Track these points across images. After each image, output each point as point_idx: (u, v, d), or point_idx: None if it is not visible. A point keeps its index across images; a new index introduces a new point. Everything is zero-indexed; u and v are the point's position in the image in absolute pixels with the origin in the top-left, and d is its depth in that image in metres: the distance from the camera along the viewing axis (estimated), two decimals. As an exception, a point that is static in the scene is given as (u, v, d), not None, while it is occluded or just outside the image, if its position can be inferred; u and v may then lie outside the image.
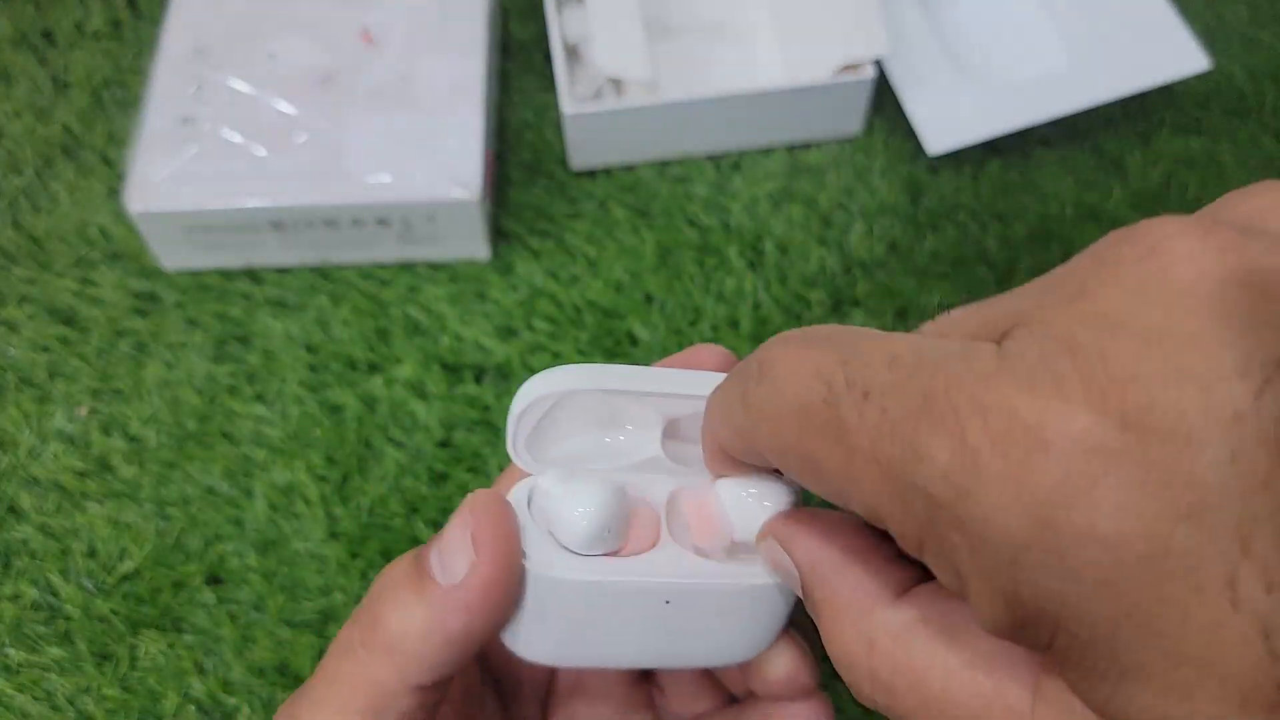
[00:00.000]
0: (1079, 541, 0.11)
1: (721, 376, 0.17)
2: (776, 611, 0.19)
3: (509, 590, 0.17)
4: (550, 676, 0.23)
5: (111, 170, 0.42)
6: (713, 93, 0.40)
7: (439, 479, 0.36)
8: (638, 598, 0.18)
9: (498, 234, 0.41)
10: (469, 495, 0.18)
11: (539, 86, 0.45)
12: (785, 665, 0.19)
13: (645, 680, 0.23)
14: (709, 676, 0.22)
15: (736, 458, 0.17)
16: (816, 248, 0.41)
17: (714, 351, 0.20)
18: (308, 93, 0.39)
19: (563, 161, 0.43)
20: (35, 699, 0.32)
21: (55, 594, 0.34)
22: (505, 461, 0.35)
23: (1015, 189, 0.42)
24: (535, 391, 0.18)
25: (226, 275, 0.40)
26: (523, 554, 0.18)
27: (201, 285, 0.40)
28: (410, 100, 0.39)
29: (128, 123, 0.43)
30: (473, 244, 0.39)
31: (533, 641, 0.19)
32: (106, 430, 0.37)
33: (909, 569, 0.16)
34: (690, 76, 0.43)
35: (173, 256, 0.39)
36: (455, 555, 0.17)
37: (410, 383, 0.38)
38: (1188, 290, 0.11)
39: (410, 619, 0.17)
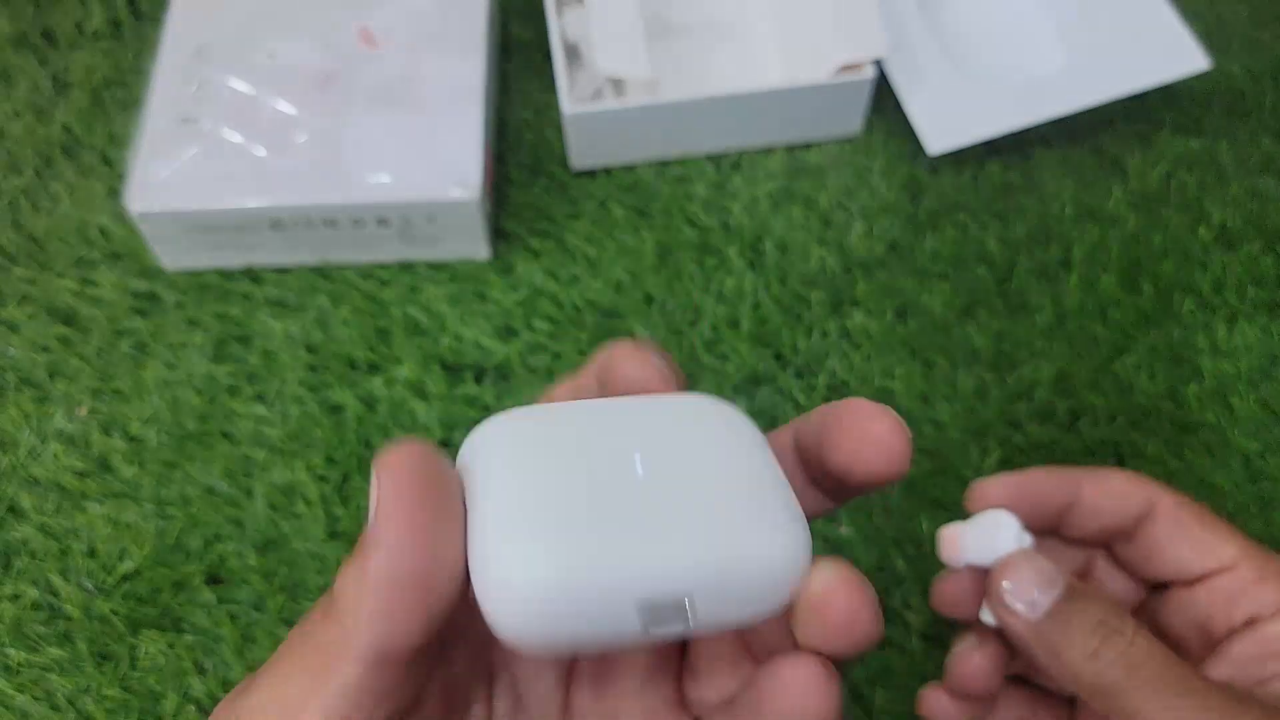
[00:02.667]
0: None
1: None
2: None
3: (429, 591, 0.16)
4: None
5: (112, 170, 0.42)
6: (712, 93, 0.40)
7: (439, 479, 0.36)
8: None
9: (498, 234, 0.41)
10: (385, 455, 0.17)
11: (539, 87, 0.45)
12: (826, 578, 0.17)
13: (675, 662, 0.22)
14: (745, 649, 0.21)
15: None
16: (816, 247, 0.41)
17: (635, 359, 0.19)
18: (308, 93, 0.39)
19: (563, 161, 0.43)
20: (35, 699, 0.32)
21: (55, 594, 0.34)
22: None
23: (1015, 189, 0.42)
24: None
25: (227, 275, 0.40)
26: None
27: (202, 285, 0.40)
28: (410, 100, 0.39)
29: (128, 123, 0.43)
30: (473, 244, 0.39)
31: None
32: (106, 430, 0.37)
33: None
34: (690, 77, 0.43)
35: (173, 256, 0.39)
36: (371, 536, 0.16)
37: (410, 383, 0.38)
38: None
39: (351, 592, 0.16)
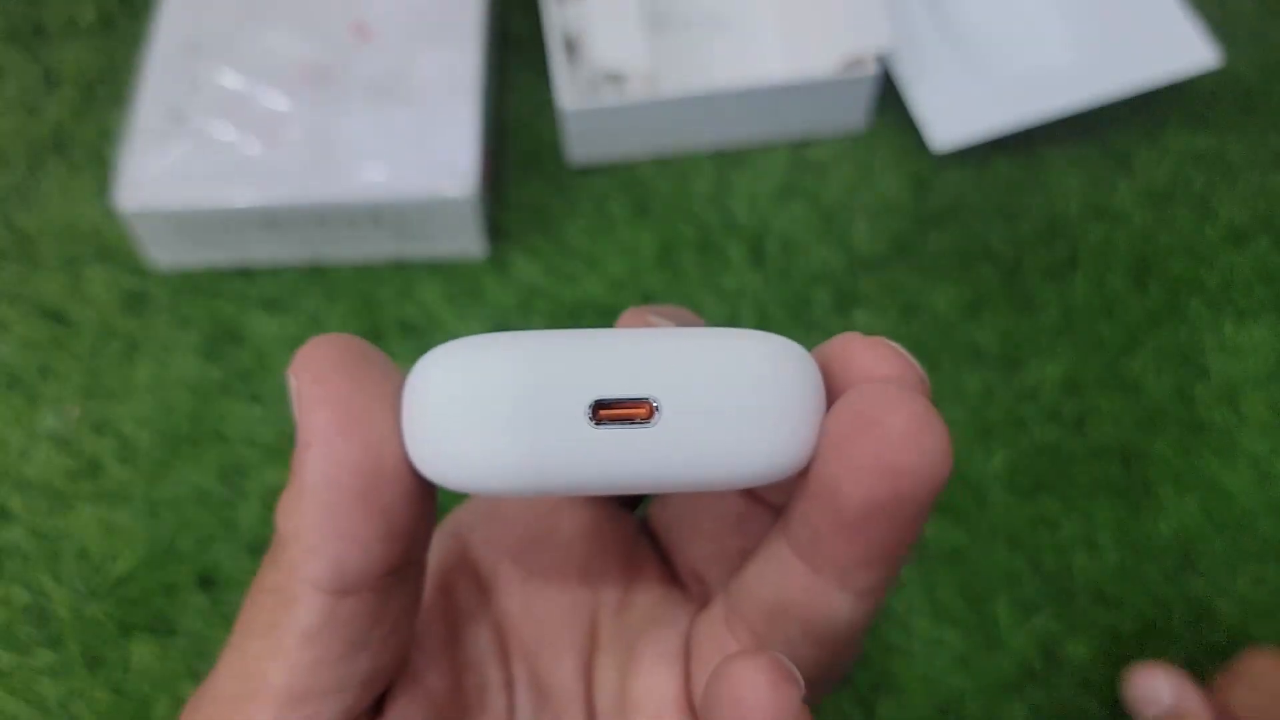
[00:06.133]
0: None
1: None
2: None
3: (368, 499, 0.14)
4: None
5: (103, 167, 0.42)
6: (713, 88, 0.39)
7: (435, 480, 0.35)
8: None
9: (494, 231, 0.40)
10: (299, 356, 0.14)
11: (537, 82, 0.44)
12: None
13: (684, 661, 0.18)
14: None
15: None
16: (819, 245, 0.40)
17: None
18: (301, 88, 0.39)
19: (561, 157, 0.42)
20: (26, 702, 0.32)
21: (46, 597, 0.34)
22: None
23: (1021, 185, 0.42)
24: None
25: (218, 273, 0.39)
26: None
27: (193, 283, 0.39)
28: (405, 95, 0.39)
29: (119, 119, 0.43)
30: (468, 241, 0.39)
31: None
32: (97, 431, 0.36)
33: None
34: (691, 71, 0.43)
35: (164, 254, 0.39)
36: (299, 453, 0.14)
37: (406, 382, 0.37)
38: None
39: (291, 519, 0.14)
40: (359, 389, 0.14)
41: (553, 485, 0.14)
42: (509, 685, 0.18)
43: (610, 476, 0.14)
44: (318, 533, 0.14)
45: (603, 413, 0.13)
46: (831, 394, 0.14)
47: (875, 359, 0.14)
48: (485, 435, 0.13)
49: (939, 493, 0.14)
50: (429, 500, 0.15)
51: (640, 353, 0.14)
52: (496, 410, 0.13)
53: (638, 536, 0.19)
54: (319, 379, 0.14)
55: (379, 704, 0.16)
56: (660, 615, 0.18)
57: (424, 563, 0.16)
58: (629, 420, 0.13)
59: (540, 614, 0.18)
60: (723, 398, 0.13)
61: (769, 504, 0.18)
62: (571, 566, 0.19)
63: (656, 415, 0.13)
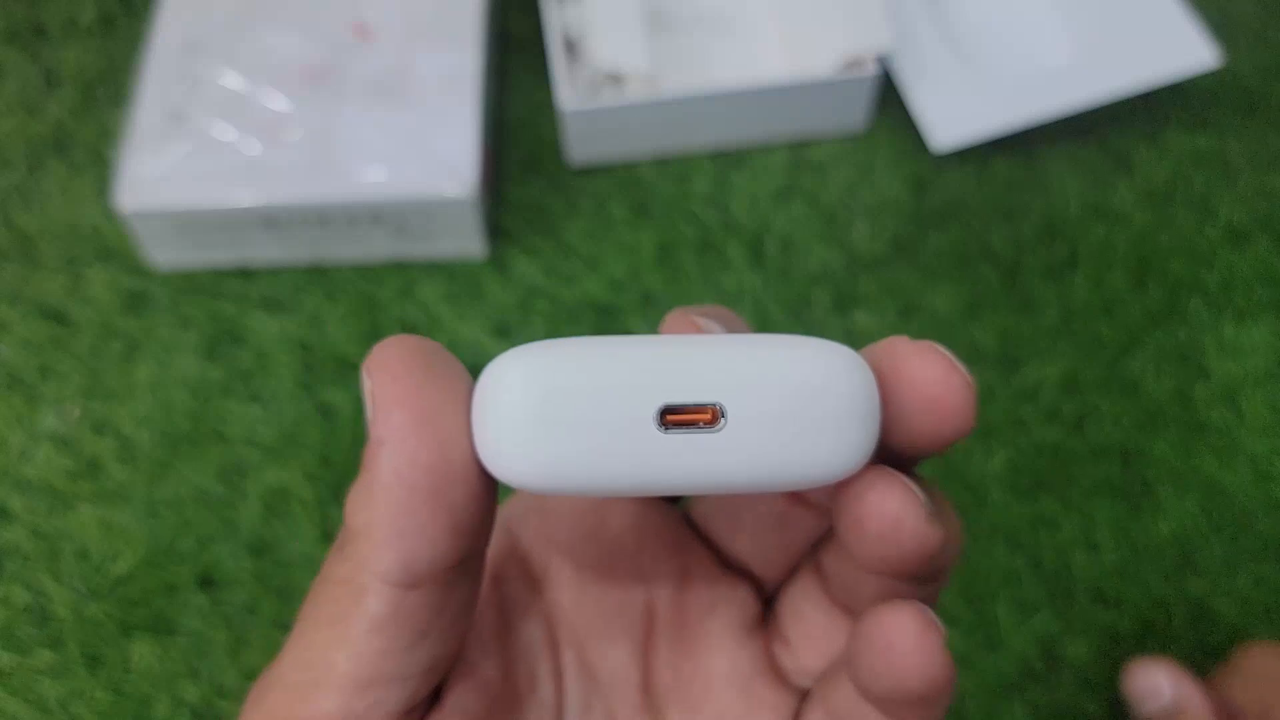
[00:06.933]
0: None
1: None
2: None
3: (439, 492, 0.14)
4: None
5: (103, 167, 0.42)
6: (713, 88, 0.39)
7: (435, 480, 0.35)
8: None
9: (494, 231, 0.40)
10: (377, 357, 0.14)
11: (538, 82, 0.44)
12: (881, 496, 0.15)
13: (763, 628, 0.19)
14: (839, 606, 0.18)
15: None
16: (819, 245, 0.40)
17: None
18: (301, 88, 0.39)
19: (561, 158, 0.42)
20: (26, 702, 0.32)
21: (46, 597, 0.34)
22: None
23: (1021, 186, 0.42)
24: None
25: (219, 273, 0.39)
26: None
27: (194, 283, 0.39)
28: (405, 95, 0.39)
29: (119, 119, 0.43)
30: (469, 241, 0.39)
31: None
32: (98, 431, 0.36)
33: None
34: (691, 71, 0.43)
35: (164, 254, 0.39)
36: (372, 447, 0.14)
37: (406, 382, 0.37)
38: None
39: (361, 511, 0.15)
40: (432, 390, 0.14)
41: (618, 487, 0.14)
42: (558, 674, 0.19)
43: (675, 479, 0.14)
44: (388, 528, 0.14)
45: (670, 417, 0.14)
46: (881, 397, 0.15)
47: (922, 365, 0.15)
48: (554, 437, 0.14)
49: (955, 559, 0.15)
50: (492, 497, 0.15)
51: (707, 360, 0.14)
52: (566, 413, 0.14)
53: (683, 528, 0.20)
54: (396, 378, 0.14)
55: (436, 692, 0.17)
56: (720, 598, 0.19)
57: (484, 556, 0.16)
58: (695, 425, 0.14)
59: (592, 605, 0.19)
60: (785, 405, 0.14)
61: (811, 504, 0.18)
62: (623, 559, 0.19)
63: (722, 421, 0.14)
